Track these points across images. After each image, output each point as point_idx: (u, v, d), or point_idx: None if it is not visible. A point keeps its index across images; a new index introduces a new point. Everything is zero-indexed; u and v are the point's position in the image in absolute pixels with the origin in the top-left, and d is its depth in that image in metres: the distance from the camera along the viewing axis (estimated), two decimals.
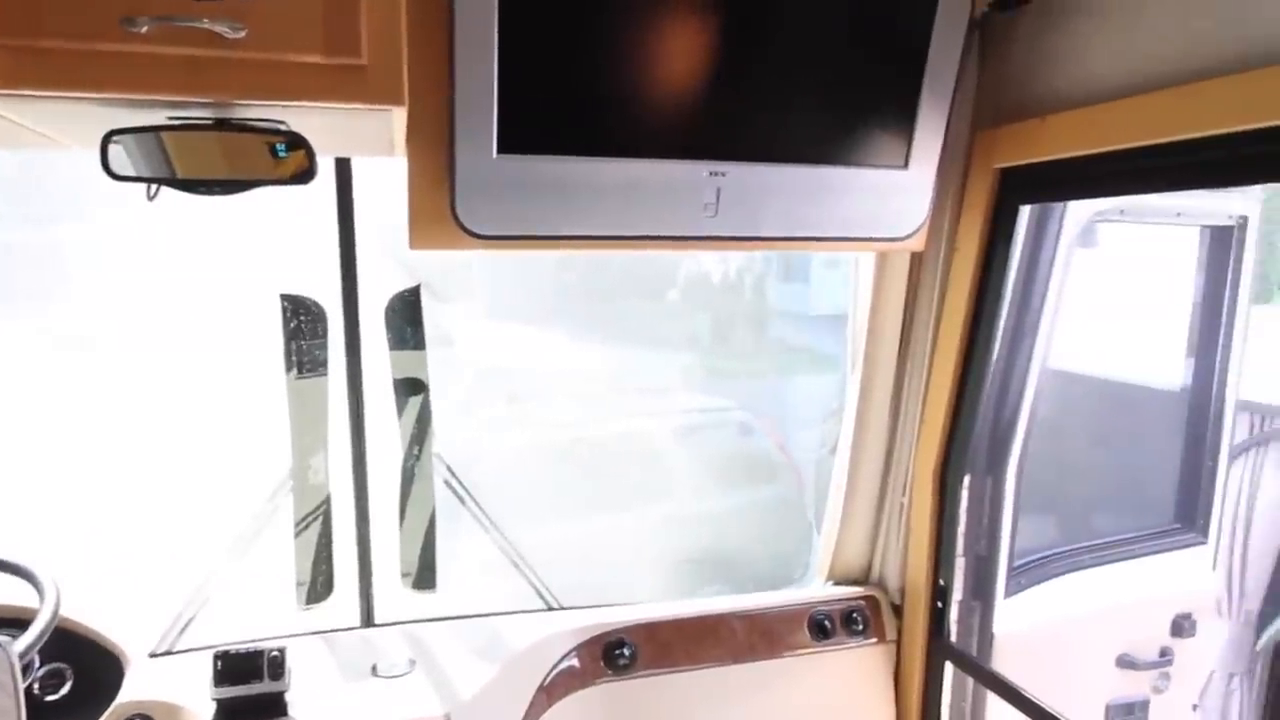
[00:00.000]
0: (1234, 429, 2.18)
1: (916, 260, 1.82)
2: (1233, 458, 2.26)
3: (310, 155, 1.33)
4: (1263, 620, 2.22)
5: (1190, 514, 2.21)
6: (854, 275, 1.91)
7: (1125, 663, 2.08)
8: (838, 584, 2.08)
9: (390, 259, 1.94)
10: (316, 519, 1.78)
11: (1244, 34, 1.21)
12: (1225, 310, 2.08)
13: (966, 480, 1.85)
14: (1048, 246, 1.79)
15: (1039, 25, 1.57)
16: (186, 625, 1.76)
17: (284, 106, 1.26)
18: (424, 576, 1.85)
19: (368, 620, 1.89)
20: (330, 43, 1.20)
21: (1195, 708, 2.16)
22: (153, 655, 1.72)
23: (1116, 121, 1.37)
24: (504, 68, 1.30)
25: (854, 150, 1.54)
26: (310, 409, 1.74)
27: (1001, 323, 1.76)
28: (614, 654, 1.81)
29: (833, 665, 1.97)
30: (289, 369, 1.70)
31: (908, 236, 1.64)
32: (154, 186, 1.34)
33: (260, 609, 1.85)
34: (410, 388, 1.80)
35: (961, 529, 1.87)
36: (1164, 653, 2.10)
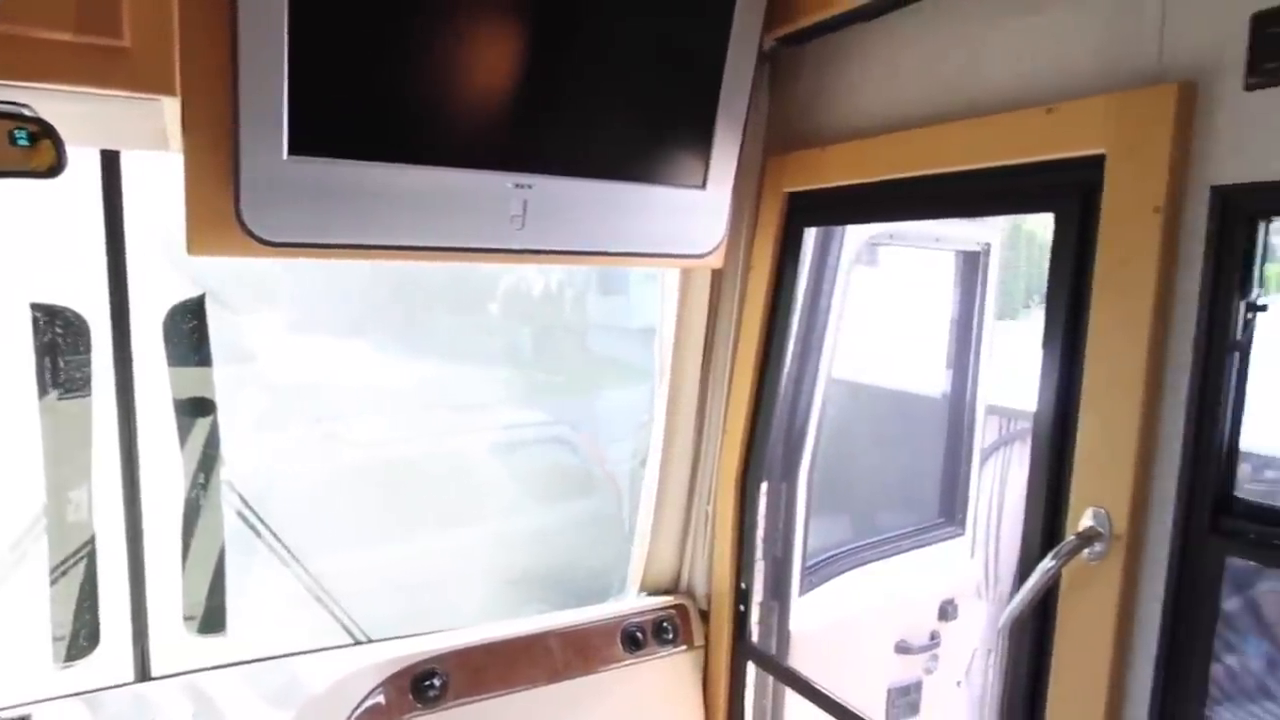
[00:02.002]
0: (984, 431, 2.50)
1: (717, 277, 1.92)
2: (986, 456, 2.59)
3: (58, 145, 1.18)
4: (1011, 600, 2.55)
5: (951, 509, 2.50)
6: (660, 291, 1.99)
7: (902, 648, 2.30)
8: (651, 594, 2.13)
9: (170, 265, 1.76)
10: (78, 562, 1.56)
11: (977, 85, 1.40)
12: (975, 325, 2.39)
13: (764, 486, 1.96)
14: (830, 266, 1.96)
15: (819, 63, 1.72)
16: None
17: (26, 88, 1.11)
18: (212, 619, 1.68)
19: (143, 674, 1.67)
20: (84, 20, 1.08)
21: (959, 683, 2.43)
22: None
23: (880, 155, 1.53)
24: (295, 63, 1.22)
25: (656, 169, 1.60)
26: (69, 435, 1.53)
27: (793, 336, 1.90)
28: (423, 685, 1.73)
29: (645, 676, 2.00)
30: (43, 390, 1.49)
31: (707, 254, 1.72)
32: None
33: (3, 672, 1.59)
34: (195, 409, 1.64)
35: (761, 534, 1.98)
36: (933, 636, 2.35)
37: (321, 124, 1.29)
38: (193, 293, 1.63)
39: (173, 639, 1.69)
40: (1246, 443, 1.23)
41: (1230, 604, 1.23)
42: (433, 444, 3.72)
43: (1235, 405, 1.08)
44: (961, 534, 2.48)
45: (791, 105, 1.79)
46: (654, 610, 2.05)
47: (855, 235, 1.99)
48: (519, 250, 1.55)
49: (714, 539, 2.03)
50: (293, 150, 1.27)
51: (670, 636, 2.03)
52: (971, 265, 2.36)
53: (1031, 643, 1.30)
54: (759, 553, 2.00)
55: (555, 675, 1.88)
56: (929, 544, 2.42)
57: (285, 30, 1.20)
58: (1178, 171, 1.08)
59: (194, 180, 1.27)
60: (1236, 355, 1.07)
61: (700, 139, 1.61)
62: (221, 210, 1.28)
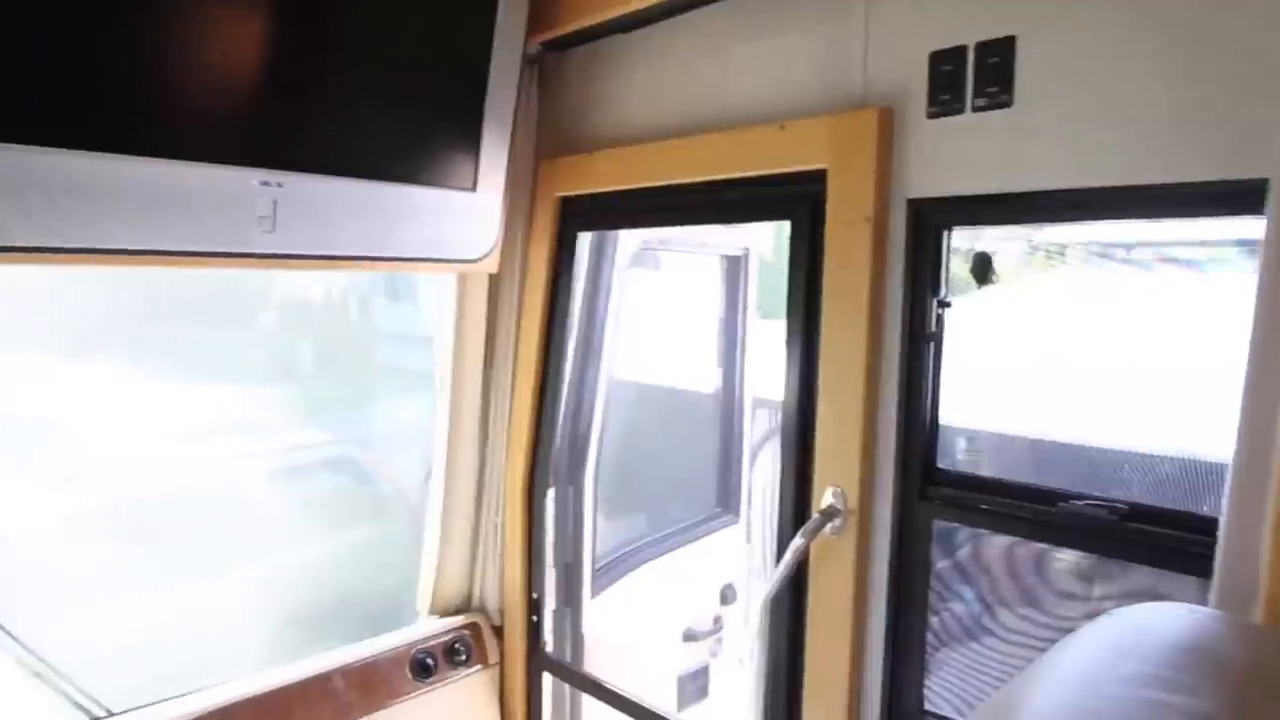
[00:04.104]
0: (755, 423, 2.75)
1: (494, 282, 1.96)
2: (759, 445, 2.83)
3: None
4: None
5: (727, 497, 2.72)
6: (438, 297, 1.99)
7: (689, 636, 2.47)
8: (442, 616, 2.11)
9: None
10: None
11: (724, 100, 1.56)
12: (739, 325, 2.62)
13: (551, 492, 2.03)
14: (606, 270, 2.06)
15: (586, 70, 1.82)
16: None
17: None
18: None
19: None
20: None
21: (741, 662, 2.63)
22: None
23: (642, 163, 1.66)
24: None
25: (422, 170, 1.61)
26: None
27: (572, 340, 1.98)
28: None
29: (438, 703, 1.98)
30: None
31: (481, 258, 1.76)
32: None
33: None
34: None
35: (550, 540, 2.04)
36: (717, 621, 2.54)
37: (9, 103, 1.14)
38: None
39: None
40: (967, 421, 1.47)
41: (954, 559, 1.47)
42: (197, 477, 3.42)
43: (934, 388, 1.30)
44: (737, 521, 2.70)
45: (561, 110, 1.87)
46: (445, 632, 2.04)
47: (629, 239, 2.11)
48: (269, 255, 1.49)
49: (504, 551, 2.06)
50: None
51: (463, 658, 2.03)
52: (735, 269, 2.59)
53: (789, 614, 1.47)
54: (550, 560, 2.05)
55: (340, 718, 1.81)
56: (709, 533, 2.62)
57: None
58: (882, 186, 1.28)
59: None
60: (932, 345, 1.28)
61: (468, 139, 1.64)
62: None
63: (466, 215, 1.70)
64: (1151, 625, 0.71)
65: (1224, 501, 0.94)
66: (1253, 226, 0.95)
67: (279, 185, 1.44)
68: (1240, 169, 0.98)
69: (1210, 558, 0.96)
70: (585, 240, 1.94)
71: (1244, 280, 0.96)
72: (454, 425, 2.02)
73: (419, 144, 1.60)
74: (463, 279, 1.93)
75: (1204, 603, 0.97)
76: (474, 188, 1.68)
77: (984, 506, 1.24)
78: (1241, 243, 1.25)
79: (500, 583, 2.09)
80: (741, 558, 2.72)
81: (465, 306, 1.95)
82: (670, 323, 2.75)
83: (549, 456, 1.99)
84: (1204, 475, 1.27)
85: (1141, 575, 1.23)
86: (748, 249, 2.55)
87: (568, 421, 2.05)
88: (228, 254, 1.44)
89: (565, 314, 1.92)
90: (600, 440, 2.13)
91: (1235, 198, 1.00)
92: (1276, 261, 0.89)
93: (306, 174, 1.47)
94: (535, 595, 2.03)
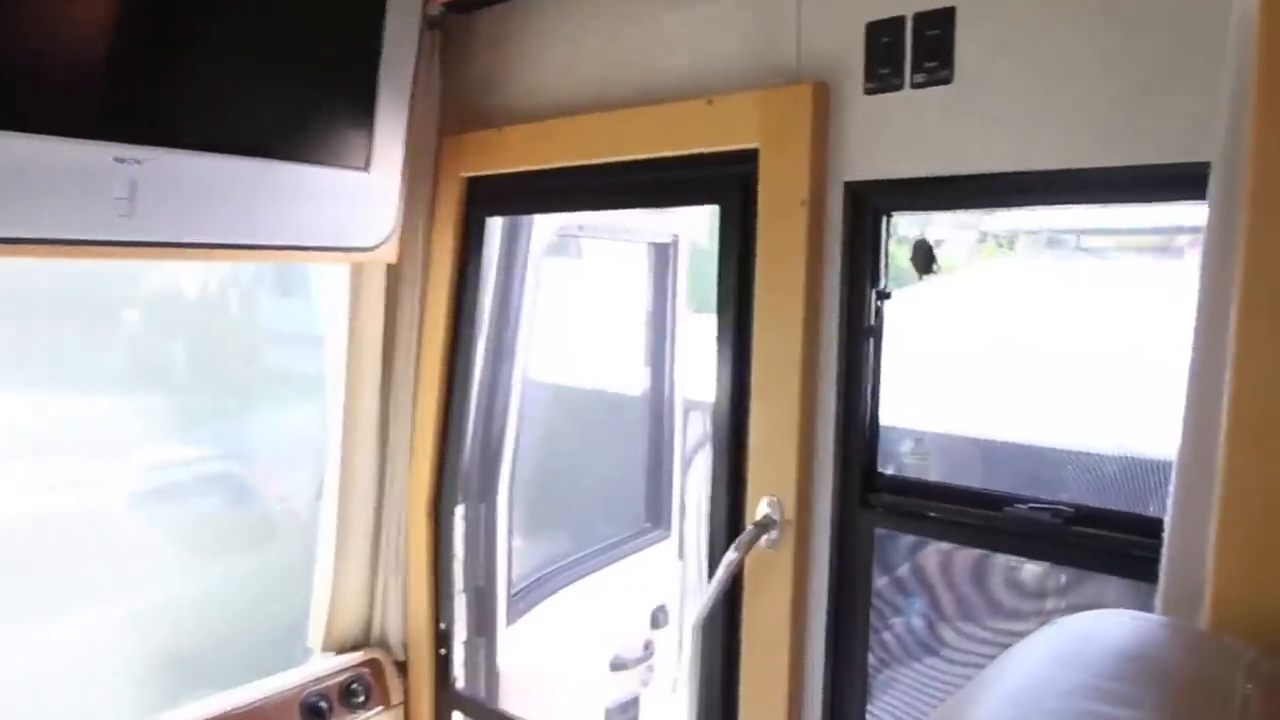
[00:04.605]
0: (685, 428, 2.75)
1: (393, 273, 1.90)
2: (693, 452, 2.84)
3: None
4: None
5: (657, 510, 2.72)
6: (330, 291, 1.93)
7: (617, 665, 2.45)
8: (338, 652, 2.05)
9: None
10: None
11: (649, 70, 1.56)
12: (668, 320, 2.63)
13: (460, 509, 1.99)
14: (519, 260, 2.04)
15: (495, 35, 1.80)
16: None
17: None
18: None
19: None
20: None
21: (673, 690, 2.63)
22: None
23: (558, 139, 1.64)
24: None
25: (307, 146, 1.55)
26: None
27: (483, 338, 1.95)
28: None
29: None
30: None
31: (376, 247, 1.71)
32: None
33: None
34: None
35: (459, 563, 2.00)
36: (647, 646, 2.54)
37: None
38: None
39: None
40: (911, 421, 1.50)
41: (898, 571, 1.50)
42: (43, 503, 3.23)
43: (874, 387, 1.32)
44: (668, 536, 2.71)
45: (467, 80, 1.84)
46: (341, 670, 1.98)
47: (545, 225, 2.09)
48: (129, 243, 1.41)
49: (407, 576, 2.01)
50: None
51: (362, 699, 1.97)
52: (663, 258, 2.59)
53: (724, 635, 1.47)
54: (459, 585, 2.02)
55: None
56: (638, 550, 2.62)
57: None
58: (817, 167, 1.30)
59: None
60: (872, 340, 1.31)
61: (359, 112, 1.60)
62: None
63: (359, 198, 1.65)
64: (1094, 634, 0.73)
65: (1169, 502, 0.97)
66: (1196, 213, 0.99)
67: (137, 162, 1.37)
68: (1182, 153, 1.03)
69: (1156, 561, 0.99)
70: (495, 226, 1.92)
71: (1188, 269, 0.99)
72: (349, 435, 1.96)
73: (303, 117, 1.55)
74: (357, 270, 1.87)
75: (1152, 607, 1.01)
76: (367, 167, 1.63)
77: (928, 513, 1.27)
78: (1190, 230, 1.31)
79: (403, 613, 2.04)
80: (674, 576, 2.72)
81: (360, 301, 1.89)
82: (593, 318, 2.73)
83: (457, 469, 1.95)
84: (1154, 474, 1.34)
85: (1102, 580, 1.28)
86: (677, 236, 2.56)
87: (478, 429, 2.02)
88: (79, 241, 1.37)
89: (474, 309, 1.89)
90: (515, 450, 2.10)
91: (1178, 183, 1.04)
92: (1218, 248, 0.92)
93: (170, 150, 1.40)
94: (443, 625, 1.99)
